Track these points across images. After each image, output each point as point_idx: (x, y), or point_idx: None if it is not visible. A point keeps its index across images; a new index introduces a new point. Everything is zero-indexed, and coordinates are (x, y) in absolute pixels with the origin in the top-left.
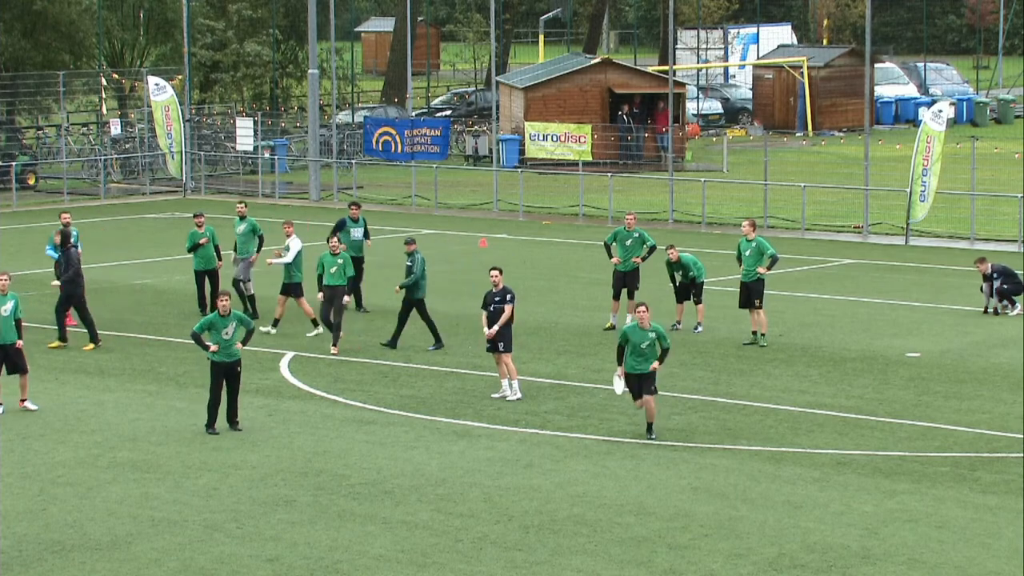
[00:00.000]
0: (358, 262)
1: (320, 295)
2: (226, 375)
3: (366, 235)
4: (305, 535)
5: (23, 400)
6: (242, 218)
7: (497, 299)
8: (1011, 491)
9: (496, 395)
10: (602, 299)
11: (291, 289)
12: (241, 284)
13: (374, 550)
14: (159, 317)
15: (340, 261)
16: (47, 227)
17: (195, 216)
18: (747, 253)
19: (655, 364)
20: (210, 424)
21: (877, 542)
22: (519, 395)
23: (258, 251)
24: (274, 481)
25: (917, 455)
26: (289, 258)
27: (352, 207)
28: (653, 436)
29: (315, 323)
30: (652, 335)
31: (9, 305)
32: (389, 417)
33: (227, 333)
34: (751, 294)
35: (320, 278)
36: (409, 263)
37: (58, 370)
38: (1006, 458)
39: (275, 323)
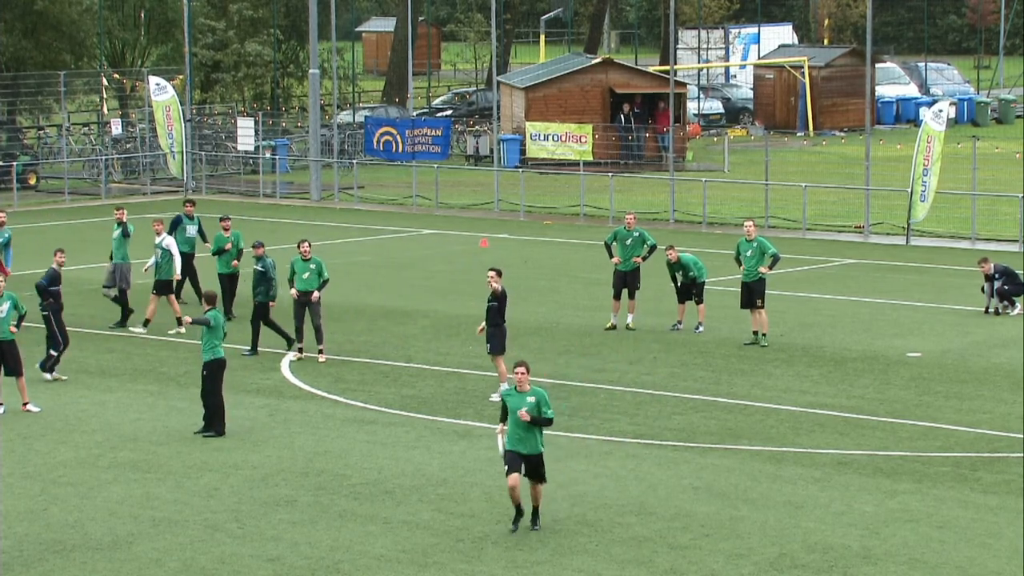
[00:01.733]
0: (189, 258)
1: (293, 292)
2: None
3: (201, 233)
4: (306, 535)
5: (25, 404)
6: (119, 223)
7: (491, 301)
8: (1012, 491)
9: (493, 397)
10: (603, 299)
11: (163, 287)
12: (107, 290)
13: (375, 550)
14: (161, 317)
15: (312, 266)
16: (48, 227)
17: (221, 220)
18: (748, 253)
19: (521, 412)
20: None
21: (878, 542)
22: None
23: (123, 259)
24: (275, 481)
25: (918, 455)
26: (175, 251)
27: (187, 204)
28: (537, 526)
29: (179, 322)
30: (531, 400)
31: (5, 306)
32: (390, 417)
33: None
34: (752, 294)
35: (292, 280)
36: (260, 267)
37: (59, 370)
38: (1007, 458)
39: (145, 323)
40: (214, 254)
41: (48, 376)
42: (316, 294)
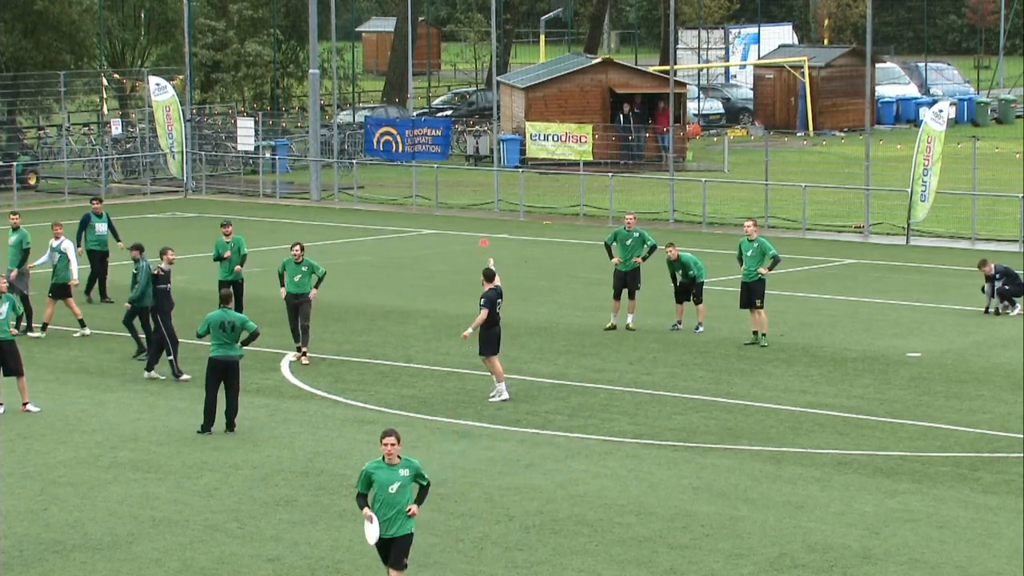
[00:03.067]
0: (102, 256)
1: (283, 292)
2: None
3: (112, 231)
4: (306, 535)
5: (25, 404)
6: (15, 229)
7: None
8: (1012, 491)
9: (492, 397)
10: (603, 299)
11: (59, 290)
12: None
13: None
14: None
15: (304, 268)
16: (47, 227)
17: (222, 226)
18: (749, 253)
19: (412, 509)
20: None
21: (878, 542)
22: (503, 396)
23: (19, 265)
24: (275, 481)
25: (918, 455)
26: (72, 255)
27: (94, 202)
28: None
29: (82, 324)
30: (404, 473)
31: (4, 307)
32: (390, 417)
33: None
34: (752, 294)
35: (282, 278)
36: (135, 271)
37: (59, 370)
38: (1007, 458)
39: (44, 327)
40: (215, 260)
41: (147, 374)
42: (313, 292)
